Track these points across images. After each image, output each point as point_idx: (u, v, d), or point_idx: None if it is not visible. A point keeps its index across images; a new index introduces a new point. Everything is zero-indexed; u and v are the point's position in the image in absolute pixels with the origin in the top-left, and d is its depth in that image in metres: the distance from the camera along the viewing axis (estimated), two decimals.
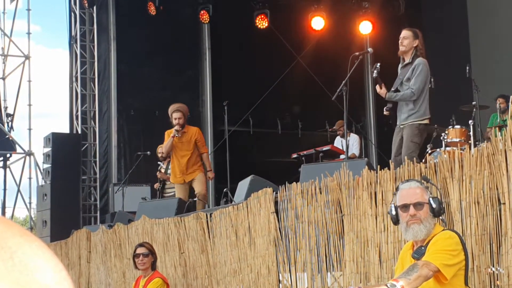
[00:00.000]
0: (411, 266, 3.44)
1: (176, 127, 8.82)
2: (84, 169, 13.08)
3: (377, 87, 6.79)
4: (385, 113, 6.85)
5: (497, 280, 4.21)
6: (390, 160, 5.10)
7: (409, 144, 6.49)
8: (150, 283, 6.39)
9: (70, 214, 12.34)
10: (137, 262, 6.53)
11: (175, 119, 8.86)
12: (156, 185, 10.36)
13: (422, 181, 3.87)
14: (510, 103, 4.21)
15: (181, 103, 9.16)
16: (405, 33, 6.74)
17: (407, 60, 6.71)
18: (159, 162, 10.54)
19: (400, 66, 6.84)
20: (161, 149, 10.42)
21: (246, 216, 6.25)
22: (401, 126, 6.69)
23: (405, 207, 3.66)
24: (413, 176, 4.70)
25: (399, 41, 6.74)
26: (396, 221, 3.75)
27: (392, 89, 6.76)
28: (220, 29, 13.50)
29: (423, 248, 3.61)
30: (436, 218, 3.72)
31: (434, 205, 3.59)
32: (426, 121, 6.65)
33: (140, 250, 6.54)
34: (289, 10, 13.94)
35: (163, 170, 10.39)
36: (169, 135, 8.89)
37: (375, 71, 6.76)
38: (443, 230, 3.67)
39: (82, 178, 12.96)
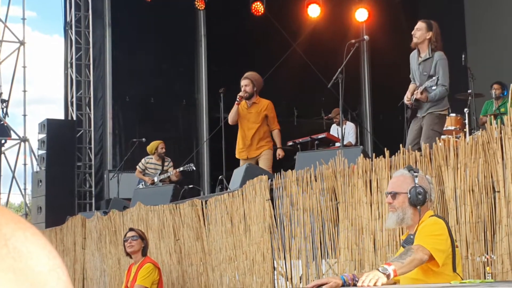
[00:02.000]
0: (405, 250, 3.47)
1: (240, 93, 8.36)
2: (79, 156, 13.07)
3: (417, 93, 6.61)
4: (408, 102, 6.79)
5: (489, 266, 4.22)
6: (385, 148, 5.10)
7: (429, 132, 6.47)
8: (141, 269, 6.41)
9: (65, 200, 12.34)
10: (126, 245, 6.62)
11: (242, 86, 8.41)
12: (150, 180, 10.22)
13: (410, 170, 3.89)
14: (510, 92, 4.21)
15: (253, 72, 8.67)
16: (419, 24, 6.66)
17: (424, 54, 6.59)
18: (146, 159, 10.41)
19: (417, 57, 6.68)
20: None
21: (241, 204, 6.26)
22: (422, 116, 6.66)
23: (387, 195, 3.82)
24: (407, 164, 4.70)
25: (412, 32, 6.68)
26: None
27: (421, 86, 6.58)
28: (215, 16, 13.45)
29: (411, 236, 3.65)
30: (427, 206, 3.75)
31: (409, 195, 3.68)
32: (445, 112, 6.67)
33: (130, 234, 6.65)
34: None
35: (142, 168, 10.33)
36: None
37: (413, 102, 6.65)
38: (430, 216, 3.71)
39: (77, 165, 12.94)
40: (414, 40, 6.64)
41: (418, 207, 3.68)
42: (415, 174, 3.73)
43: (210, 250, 6.73)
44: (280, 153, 8.45)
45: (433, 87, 6.50)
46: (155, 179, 10.18)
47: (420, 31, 6.62)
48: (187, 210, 7.05)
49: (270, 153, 8.33)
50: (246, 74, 8.48)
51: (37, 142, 13.02)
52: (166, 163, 10.36)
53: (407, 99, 6.72)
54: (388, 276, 3.30)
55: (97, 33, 13.21)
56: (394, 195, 3.74)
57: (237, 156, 8.46)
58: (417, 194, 3.65)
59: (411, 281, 3.55)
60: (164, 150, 10.36)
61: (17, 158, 14.24)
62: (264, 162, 8.21)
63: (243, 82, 8.40)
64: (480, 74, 9.73)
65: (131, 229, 6.80)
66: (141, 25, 13.02)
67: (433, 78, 6.49)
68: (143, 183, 10.31)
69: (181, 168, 10.15)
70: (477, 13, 13.56)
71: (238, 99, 8.29)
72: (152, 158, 10.35)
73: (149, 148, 10.38)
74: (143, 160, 10.37)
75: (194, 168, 10.26)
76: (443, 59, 6.56)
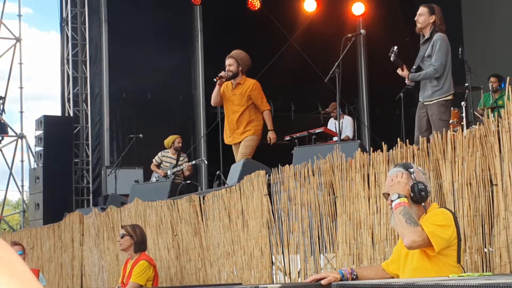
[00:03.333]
0: (415, 221, 3.45)
1: (221, 73, 7.81)
2: (76, 152, 13.06)
3: (399, 70, 6.73)
4: (408, 84, 6.81)
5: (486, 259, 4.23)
6: (383, 142, 5.09)
7: (439, 123, 6.45)
8: (136, 266, 6.41)
9: (62, 197, 12.33)
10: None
11: (225, 66, 7.90)
12: (163, 172, 10.30)
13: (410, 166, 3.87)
14: (507, 85, 4.19)
15: (239, 50, 8.13)
16: (420, 9, 6.68)
17: (427, 35, 6.65)
18: (162, 153, 10.49)
19: (420, 42, 6.78)
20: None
21: (239, 199, 6.25)
22: (425, 103, 6.64)
23: (386, 195, 3.75)
24: (405, 158, 4.70)
25: (415, 18, 6.69)
26: None
27: (414, 67, 6.69)
28: (212, 11, 13.43)
29: None
30: (429, 199, 3.74)
31: (412, 194, 3.63)
32: (450, 97, 6.63)
33: (120, 232, 6.66)
34: None
35: (157, 162, 10.41)
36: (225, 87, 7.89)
37: (393, 55, 6.69)
38: (438, 208, 3.70)
39: (74, 161, 12.93)
40: (418, 25, 6.66)
41: (423, 203, 3.65)
42: (412, 170, 3.69)
43: (208, 246, 6.72)
44: (271, 136, 7.84)
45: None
46: (168, 172, 10.27)
47: (422, 16, 6.63)
48: (185, 206, 7.04)
49: (253, 140, 7.80)
50: (231, 53, 8.00)
51: (34, 139, 13.02)
52: (181, 158, 10.47)
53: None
54: (391, 201, 3.54)
55: (94, 29, 13.18)
56: None
57: (225, 141, 8.07)
58: (420, 191, 3.62)
59: (415, 270, 3.54)
60: (180, 144, 10.50)
61: (14, 155, 14.24)
62: (243, 149, 7.71)
63: (227, 61, 7.89)
64: (477, 67, 9.73)
65: (121, 227, 6.85)
66: (137, 20, 12.99)
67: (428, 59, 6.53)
68: (156, 176, 10.39)
69: (193, 162, 10.20)
70: (473, 6, 13.55)
71: (215, 79, 7.78)
72: (168, 152, 10.51)
73: (166, 142, 10.54)
74: (159, 154, 10.53)
75: (206, 162, 10.27)
76: (440, 39, 6.53)
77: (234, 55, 7.96)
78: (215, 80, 7.87)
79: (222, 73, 7.82)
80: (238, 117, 7.82)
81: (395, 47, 6.71)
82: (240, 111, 7.82)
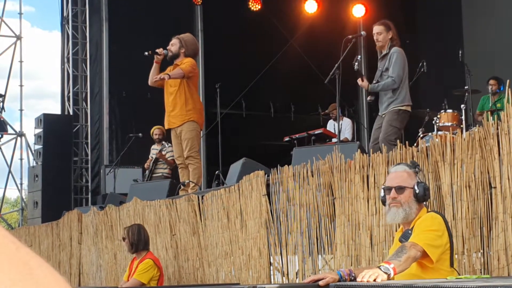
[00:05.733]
0: (400, 248, 3.47)
1: (158, 50, 7.64)
2: (75, 151, 13.05)
3: (359, 80, 6.88)
4: (368, 99, 7.00)
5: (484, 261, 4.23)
6: (382, 144, 5.10)
7: (388, 128, 6.57)
8: (140, 264, 6.46)
9: (61, 195, 12.33)
10: None
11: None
12: (147, 165, 10.41)
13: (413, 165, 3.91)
14: (507, 88, 4.20)
15: (189, 33, 8.04)
16: (377, 28, 6.88)
17: (385, 51, 6.84)
18: (153, 147, 10.59)
19: (378, 58, 6.95)
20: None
21: (238, 199, 6.26)
22: (382, 116, 6.77)
23: (389, 189, 3.76)
24: (404, 159, 4.71)
25: (374, 38, 6.85)
26: (384, 202, 3.83)
27: (374, 81, 6.84)
28: (212, 11, 13.43)
29: (409, 231, 3.65)
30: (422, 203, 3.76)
31: (417, 191, 3.67)
32: (406, 108, 6.71)
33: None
34: None
35: (152, 157, 10.48)
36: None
37: (356, 64, 6.82)
38: (428, 212, 3.73)
39: (73, 160, 12.93)
40: (379, 44, 6.89)
41: (425, 202, 3.71)
42: (418, 170, 3.75)
43: (206, 245, 6.73)
44: (164, 76, 7.54)
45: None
46: (150, 164, 10.38)
47: (381, 34, 6.85)
48: (184, 205, 7.05)
49: (194, 128, 7.66)
50: (179, 35, 7.82)
51: (33, 137, 13.02)
52: (164, 148, 10.47)
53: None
54: (389, 275, 3.30)
55: (94, 28, 13.18)
56: (400, 189, 3.71)
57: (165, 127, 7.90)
58: (425, 190, 3.67)
59: (408, 276, 3.55)
60: (157, 136, 10.50)
61: (14, 153, 14.24)
62: (187, 142, 7.57)
63: (171, 41, 7.78)
64: (477, 70, 9.74)
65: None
66: (138, 20, 12.98)
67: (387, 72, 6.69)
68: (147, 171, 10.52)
69: (163, 150, 10.29)
70: (474, 9, 13.55)
71: (147, 53, 7.58)
72: (155, 144, 10.59)
73: (151, 134, 10.65)
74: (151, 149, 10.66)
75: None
76: (397, 52, 6.71)
77: (180, 36, 7.82)
78: (146, 54, 7.66)
79: (159, 50, 7.64)
80: (172, 99, 7.65)
81: (359, 56, 6.91)
82: (174, 92, 7.64)
